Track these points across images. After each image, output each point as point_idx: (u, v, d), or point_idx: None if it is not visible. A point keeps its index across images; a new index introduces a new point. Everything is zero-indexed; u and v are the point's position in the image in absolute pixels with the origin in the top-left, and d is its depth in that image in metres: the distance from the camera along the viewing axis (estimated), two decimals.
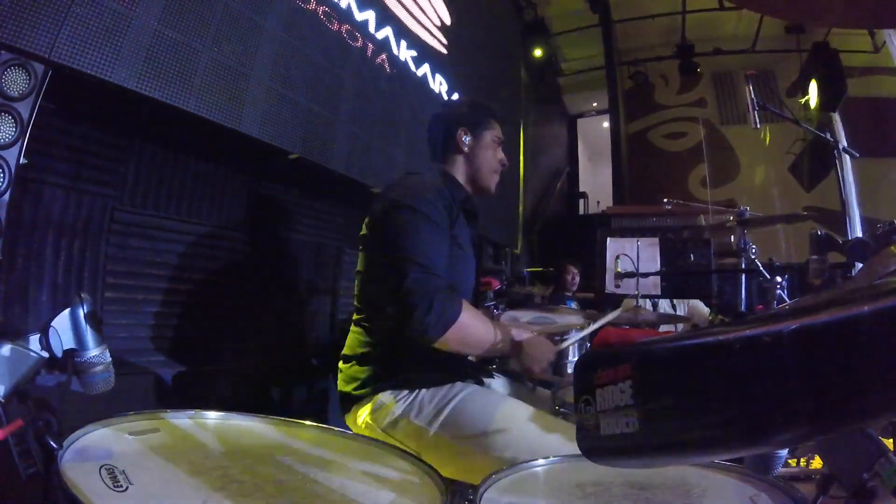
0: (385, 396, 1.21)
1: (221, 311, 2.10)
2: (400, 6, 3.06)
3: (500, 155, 1.48)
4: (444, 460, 1.11)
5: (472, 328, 1.18)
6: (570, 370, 2.12)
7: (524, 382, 1.51)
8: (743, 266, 1.98)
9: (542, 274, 5.12)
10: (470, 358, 1.44)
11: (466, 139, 1.44)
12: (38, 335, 0.70)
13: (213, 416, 0.91)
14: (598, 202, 9.08)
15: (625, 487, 0.77)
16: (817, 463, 1.52)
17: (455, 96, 3.54)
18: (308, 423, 0.96)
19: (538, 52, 6.48)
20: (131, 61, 1.52)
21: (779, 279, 1.82)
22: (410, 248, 1.16)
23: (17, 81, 1.31)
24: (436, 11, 3.55)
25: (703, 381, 0.36)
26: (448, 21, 3.70)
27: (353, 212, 2.77)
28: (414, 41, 3.19)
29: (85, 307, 0.72)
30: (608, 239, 3.41)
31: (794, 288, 2.03)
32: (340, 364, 1.39)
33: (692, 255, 3.36)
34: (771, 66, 6.62)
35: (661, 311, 3.15)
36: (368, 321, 1.32)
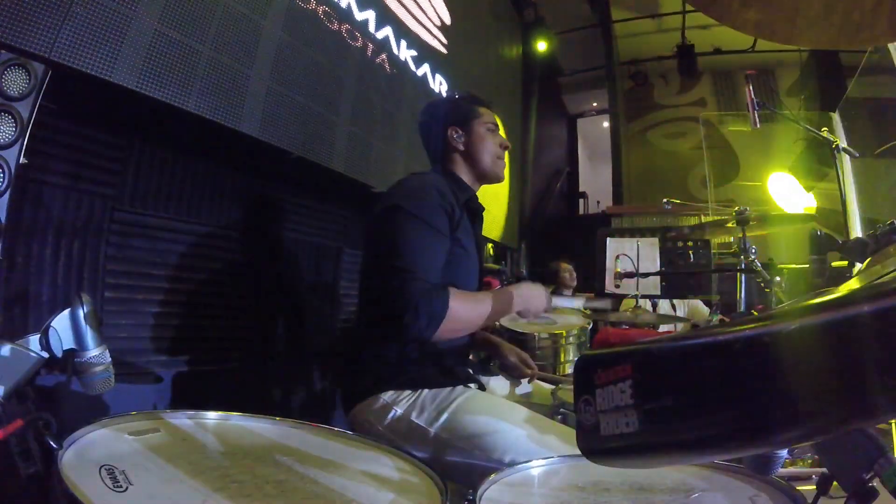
0: (387, 396, 1.22)
1: (221, 311, 2.10)
2: (400, 6, 3.06)
3: (499, 139, 1.45)
4: (445, 460, 1.11)
5: (462, 315, 1.18)
6: (570, 370, 2.12)
7: (517, 378, 1.52)
8: (743, 266, 1.98)
9: (542, 274, 5.12)
10: (471, 358, 1.44)
11: (459, 137, 1.43)
12: (38, 335, 0.70)
13: (213, 416, 0.91)
14: (598, 202, 9.09)
15: (625, 488, 0.77)
16: (817, 463, 1.52)
17: (456, 94, 3.54)
18: (308, 423, 0.96)
19: (539, 51, 6.48)
20: (131, 61, 1.52)
21: (779, 279, 1.82)
22: (400, 253, 1.16)
23: (17, 81, 1.31)
24: (436, 11, 3.55)
25: (703, 381, 0.36)
26: (448, 21, 3.70)
27: (353, 212, 2.77)
28: (414, 41, 3.19)
29: (85, 307, 0.72)
30: (608, 239, 3.41)
31: (794, 288, 2.03)
32: (343, 362, 1.39)
33: (692, 255, 3.36)
34: (771, 66, 6.62)
35: (661, 311, 3.15)
36: (370, 321, 1.32)
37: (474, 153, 1.43)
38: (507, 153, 1.50)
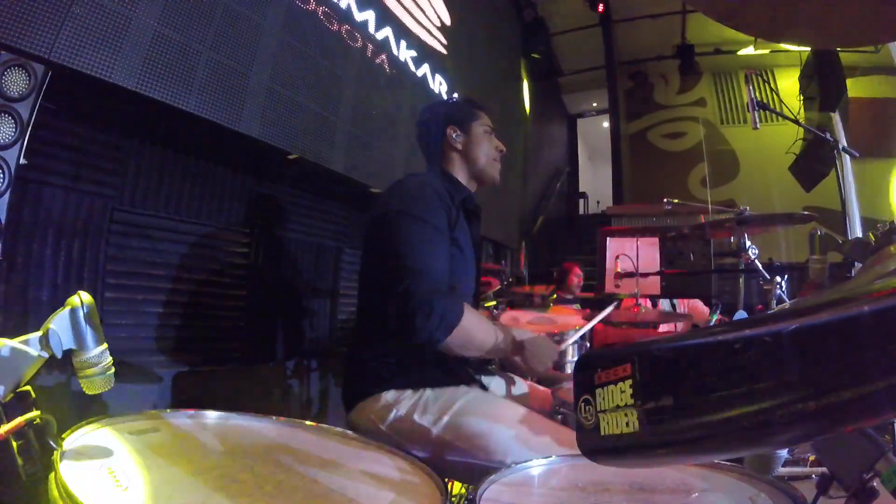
0: (390, 395, 1.22)
1: (221, 311, 2.10)
2: (400, 6, 3.06)
3: (496, 142, 1.47)
4: (446, 460, 1.11)
5: (474, 331, 1.18)
6: (570, 370, 2.11)
7: (524, 377, 1.52)
8: (743, 266, 1.98)
9: (544, 274, 5.12)
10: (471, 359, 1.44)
11: (457, 137, 1.44)
12: (38, 335, 0.70)
13: (213, 416, 0.91)
14: (598, 202, 9.10)
15: (625, 488, 0.77)
16: (817, 463, 1.52)
17: (455, 96, 3.54)
18: (308, 423, 0.96)
19: (538, 53, 6.48)
20: (131, 61, 1.52)
21: (779, 279, 1.82)
22: (409, 254, 1.16)
23: (17, 81, 1.31)
24: (436, 11, 3.55)
25: (703, 381, 0.36)
26: (448, 21, 3.69)
27: (353, 212, 2.77)
28: (414, 41, 3.19)
29: (85, 307, 0.72)
30: (608, 239, 3.42)
31: (794, 288, 2.03)
32: (343, 362, 1.39)
33: (692, 255, 3.36)
34: (771, 66, 6.62)
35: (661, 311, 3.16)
36: (372, 320, 1.32)
37: (471, 153, 1.44)
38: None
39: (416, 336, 1.12)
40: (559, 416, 1.37)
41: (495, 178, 1.48)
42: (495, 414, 1.16)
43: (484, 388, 1.34)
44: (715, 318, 2.71)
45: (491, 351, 1.24)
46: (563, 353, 2.09)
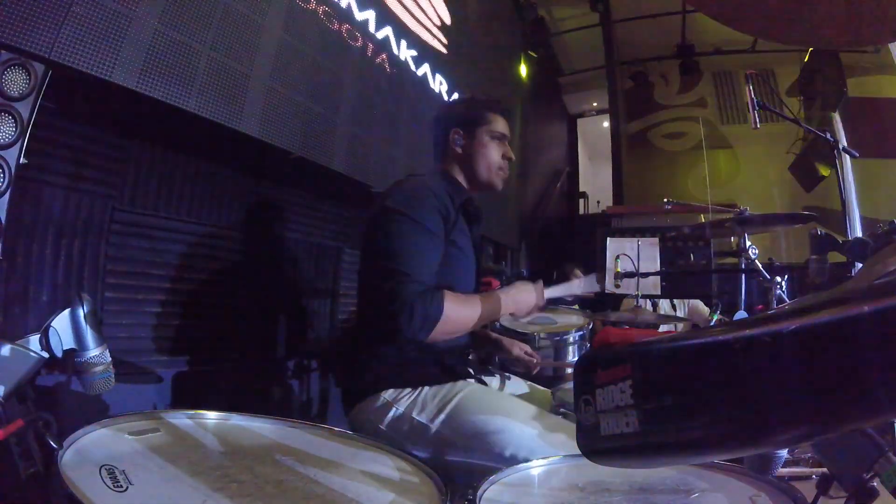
0: (388, 394, 1.22)
1: (221, 311, 2.10)
2: (400, 6, 3.05)
3: (504, 149, 1.44)
4: (446, 458, 1.11)
5: (457, 318, 1.19)
6: (569, 370, 2.11)
7: (523, 371, 1.53)
8: (743, 266, 1.98)
9: (544, 274, 5.11)
10: (471, 357, 1.44)
11: (459, 140, 1.42)
12: (38, 335, 0.70)
13: (213, 416, 0.91)
14: (598, 202, 9.08)
15: (625, 488, 0.77)
16: (817, 463, 1.52)
17: (455, 96, 3.54)
18: (308, 423, 0.96)
19: (538, 53, 6.47)
20: (131, 61, 1.52)
21: (779, 279, 1.82)
22: (394, 255, 1.17)
23: (17, 81, 1.31)
24: (436, 11, 3.55)
25: (703, 381, 0.36)
26: (448, 21, 3.69)
27: (353, 212, 2.77)
28: (414, 41, 3.19)
29: (85, 307, 0.72)
30: (608, 239, 3.41)
31: (794, 288, 2.03)
32: (343, 362, 1.40)
33: (692, 255, 3.36)
34: (771, 66, 6.62)
35: (661, 311, 3.15)
36: (370, 320, 1.32)
37: (472, 160, 1.42)
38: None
39: (400, 336, 1.13)
40: (559, 416, 1.38)
41: (494, 186, 1.45)
42: (494, 409, 1.16)
43: (483, 382, 1.35)
44: (715, 318, 2.70)
45: (480, 324, 1.26)
46: (561, 353, 2.09)
